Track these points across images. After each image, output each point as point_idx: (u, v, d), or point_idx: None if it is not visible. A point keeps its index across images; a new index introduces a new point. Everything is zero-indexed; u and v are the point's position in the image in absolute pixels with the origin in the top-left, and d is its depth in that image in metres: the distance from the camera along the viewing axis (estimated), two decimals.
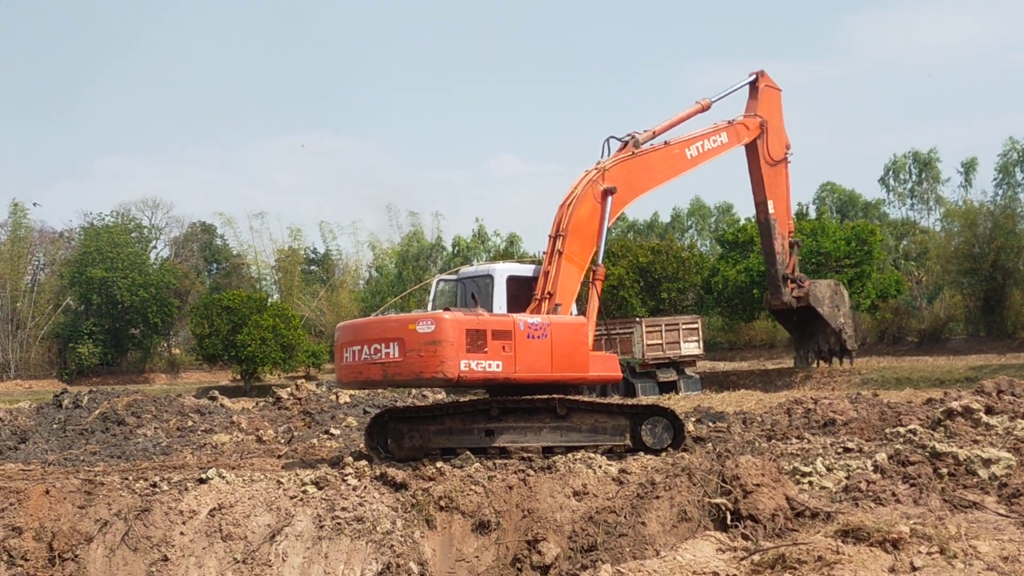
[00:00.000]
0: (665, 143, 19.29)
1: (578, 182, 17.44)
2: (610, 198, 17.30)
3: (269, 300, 67.79)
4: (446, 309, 15.42)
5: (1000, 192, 60.36)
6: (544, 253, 17.32)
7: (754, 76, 22.15)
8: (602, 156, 18.07)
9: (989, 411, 17.87)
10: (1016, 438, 15.76)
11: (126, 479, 14.23)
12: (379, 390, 27.91)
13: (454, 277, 18.02)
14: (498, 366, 14.97)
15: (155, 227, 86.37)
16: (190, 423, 23.59)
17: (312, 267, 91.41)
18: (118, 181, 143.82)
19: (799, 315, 23.35)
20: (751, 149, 21.93)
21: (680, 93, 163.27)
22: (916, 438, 15.95)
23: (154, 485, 13.78)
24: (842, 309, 23.15)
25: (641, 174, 18.50)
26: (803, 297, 22.78)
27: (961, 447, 15.01)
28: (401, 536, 12.96)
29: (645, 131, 18.94)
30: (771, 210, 22.46)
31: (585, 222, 17.11)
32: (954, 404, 17.57)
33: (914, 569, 9.25)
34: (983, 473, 13.95)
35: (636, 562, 10.72)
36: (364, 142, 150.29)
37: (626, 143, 18.47)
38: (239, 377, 63.59)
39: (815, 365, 22.89)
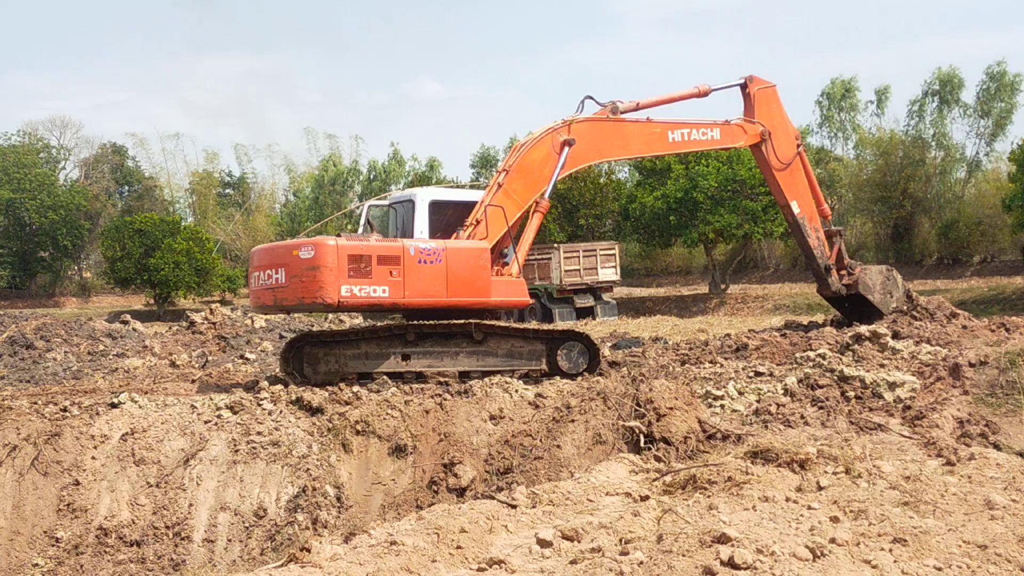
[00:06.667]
0: (648, 119, 18.99)
1: (540, 129, 17.38)
2: (568, 149, 17.16)
3: (183, 223, 66.58)
4: (338, 234, 15.36)
5: (913, 122, 61.28)
6: (487, 185, 17.25)
7: (743, 80, 20.95)
8: (576, 113, 17.82)
9: (896, 336, 18.30)
10: (921, 362, 16.19)
11: (35, 403, 13.97)
12: (297, 315, 27.74)
13: (384, 202, 17.89)
14: (384, 291, 14.97)
15: (64, 148, 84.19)
16: (101, 347, 23.22)
17: (227, 190, 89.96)
18: (24, 99, 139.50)
19: (851, 301, 22.68)
20: (758, 153, 21.09)
21: (599, 15, 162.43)
22: (825, 362, 16.28)
23: (64, 409, 13.56)
24: (895, 295, 22.19)
25: (612, 140, 18.23)
26: (852, 285, 22.14)
27: (868, 371, 15.39)
28: (317, 460, 12.95)
29: (629, 101, 18.67)
30: (796, 210, 21.45)
31: (535, 165, 17.01)
32: (862, 329, 17.95)
33: (820, 488, 9.48)
34: (888, 396, 14.33)
35: (551, 484, 10.84)
36: (280, 62, 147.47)
37: (604, 107, 18.25)
38: (152, 301, 62.67)
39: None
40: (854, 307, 22.30)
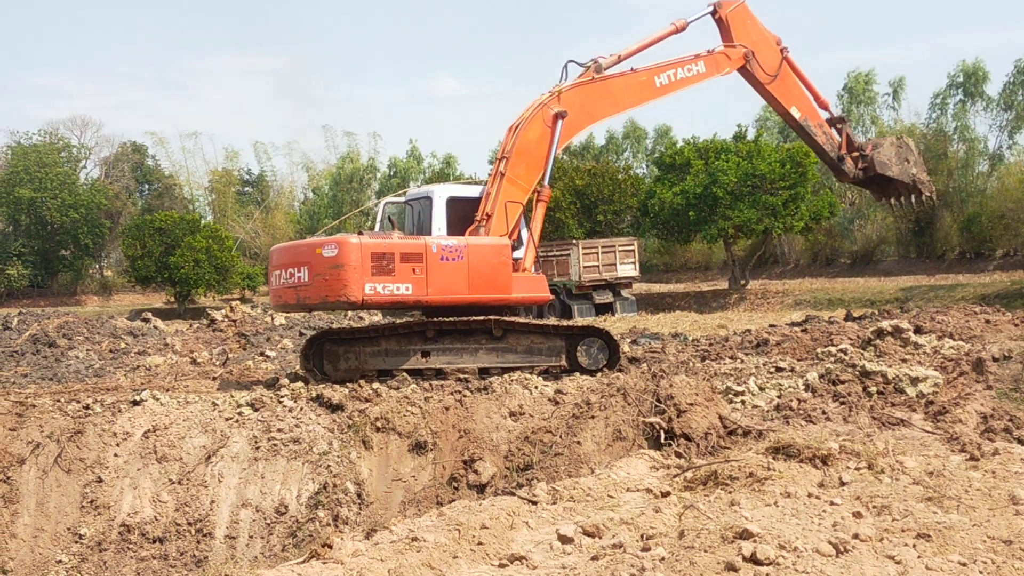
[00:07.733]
0: (632, 69, 18.75)
1: (530, 105, 17.17)
2: (560, 122, 16.97)
3: (202, 221, 66.78)
4: (360, 232, 15.36)
5: (935, 115, 60.95)
6: (490, 175, 17.16)
7: (711, 7, 20.68)
8: (561, 81, 17.58)
9: (918, 331, 18.21)
10: (943, 357, 16.09)
11: (58, 401, 14.04)
12: (316, 312, 27.79)
13: (401, 199, 17.87)
14: (407, 289, 14.97)
15: (84, 147, 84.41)
16: (123, 345, 23.32)
17: (247, 188, 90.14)
18: (45, 99, 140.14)
19: (875, 181, 23.37)
20: (746, 74, 20.88)
21: (616, 12, 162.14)
22: (847, 357, 16.21)
23: (87, 407, 13.62)
24: (911, 159, 23.07)
25: (601, 100, 17.91)
26: (869, 167, 22.67)
27: (890, 366, 15.29)
28: (338, 457, 12.97)
29: (610, 55, 18.42)
30: (797, 115, 21.78)
31: (532, 145, 16.84)
32: (884, 324, 17.85)
33: (842, 484, 9.44)
34: (911, 391, 14.24)
35: (571, 480, 10.82)
36: (297, 60, 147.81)
37: (588, 68, 18.04)
38: (172, 299, 62.86)
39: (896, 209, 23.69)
40: (881, 186, 23.22)
